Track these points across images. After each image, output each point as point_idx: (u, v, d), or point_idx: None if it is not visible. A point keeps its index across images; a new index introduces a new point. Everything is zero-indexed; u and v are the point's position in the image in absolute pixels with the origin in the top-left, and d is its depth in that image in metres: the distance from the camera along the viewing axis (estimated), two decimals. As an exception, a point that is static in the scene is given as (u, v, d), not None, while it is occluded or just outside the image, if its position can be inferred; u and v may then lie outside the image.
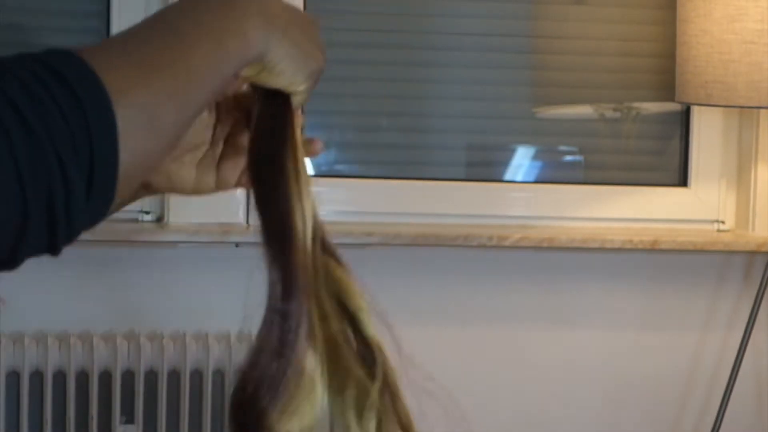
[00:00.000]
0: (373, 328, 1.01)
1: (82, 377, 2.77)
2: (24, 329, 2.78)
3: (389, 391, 1.03)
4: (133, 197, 1.17)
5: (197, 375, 2.80)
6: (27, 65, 0.81)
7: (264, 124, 1.01)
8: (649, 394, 3.05)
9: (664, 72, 2.98)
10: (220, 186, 1.19)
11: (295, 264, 0.97)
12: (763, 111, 2.89)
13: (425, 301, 2.96)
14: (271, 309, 0.95)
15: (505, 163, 3.07)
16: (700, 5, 2.69)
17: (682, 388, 3.06)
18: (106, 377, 2.77)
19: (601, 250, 2.92)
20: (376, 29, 3.01)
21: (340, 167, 3.03)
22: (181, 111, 0.90)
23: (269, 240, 0.95)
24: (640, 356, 3.04)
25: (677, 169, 3.07)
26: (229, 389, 2.78)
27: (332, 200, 2.93)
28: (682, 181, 3.05)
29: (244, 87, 1.08)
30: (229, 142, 1.15)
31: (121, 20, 2.83)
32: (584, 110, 3.08)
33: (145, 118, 0.86)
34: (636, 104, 3.07)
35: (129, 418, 2.80)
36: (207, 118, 1.13)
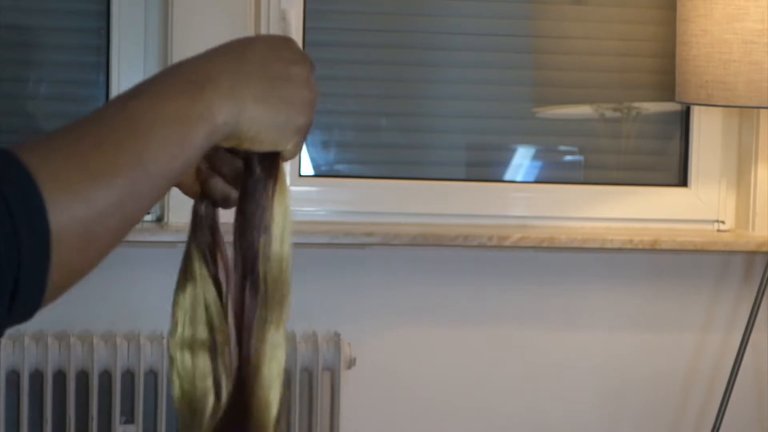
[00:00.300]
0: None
1: (82, 377, 2.77)
2: (24, 329, 2.78)
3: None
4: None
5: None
6: None
7: (251, 186, 0.99)
8: (649, 393, 3.05)
9: (664, 72, 2.98)
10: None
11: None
12: (763, 111, 2.89)
13: (425, 301, 2.96)
14: None
15: (505, 163, 3.07)
16: (701, 5, 2.69)
17: (682, 387, 3.06)
18: (106, 377, 2.77)
19: (601, 250, 2.92)
20: (376, 29, 3.01)
21: (340, 167, 3.03)
22: (130, 217, 0.87)
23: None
24: (640, 356, 3.04)
25: (677, 169, 3.07)
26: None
27: (332, 200, 2.93)
28: (682, 181, 3.05)
29: None
30: None
31: (121, 20, 2.83)
32: (584, 110, 3.07)
33: (84, 232, 0.83)
34: (636, 104, 3.07)
35: (129, 418, 2.80)
36: None
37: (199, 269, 1.08)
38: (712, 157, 3.02)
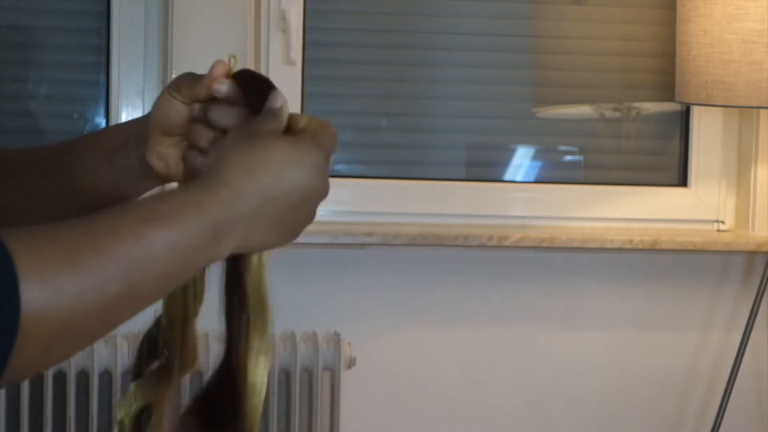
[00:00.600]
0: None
1: (82, 377, 2.77)
2: (24, 329, 2.78)
3: None
4: (144, 191, 1.18)
5: (197, 374, 2.80)
6: None
7: (233, 286, 1.06)
8: (649, 394, 3.05)
9: (664, 72, 2.98)
10: None
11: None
12: (763, 111, 2.89)
13: (425, 301, 2.96)
14: None
15: (505, 163, 3.07)
16: (701, 5, 2.69)
17: (682, 387, 3.06)
18: (106, 377, 2.77)
19: (601, 250, 2.92)
20: (376, 29, 3.01)
21: (340, 167, 3.03)
22: (105, 325, 0.89)
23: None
24: (640, 356, 3.04)
25: (677, 169, 3.07)
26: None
27: (332, 200, 2.91)
28: (682, 181, 3.05)
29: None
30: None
31: (121, 20, 2.83)
32: (584, 110, 3.07)
33: (54, 334, 0.84)
34: (636, 104, 3.07)
35: (129, 418, 2.80)
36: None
37: None
38: (712, 157, 3.02)
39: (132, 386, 1.09)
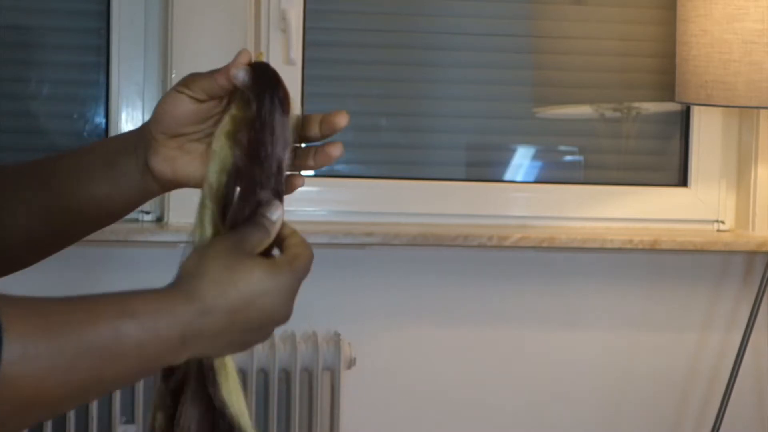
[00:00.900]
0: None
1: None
2: (24, 329, 2.78)
3: None
4: (142, 201, 1.18)
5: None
6: None
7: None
8: (649, 394, 3.05)
9: (664, 72, 2.98)
10: None
11: None
12: (763, 111, 2.89)
13: (425, 301, 2.96)
14: None
15: (505, 163, 3.07)
16: (701, 5, 2.69)
17: (682, 387, 3.06)
18: (106, 377, 2.77)
19: (601, 250, 2.92)
20: (376, 29, 3.01)
21: (340, 167, 3.03)
22: (72, 398, 0.94)
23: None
24: (640, 356, 3.04)
25: (677, 169, 3.07)
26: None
27: (332, 200, 2.93)
28: (682, 181, 3.05)
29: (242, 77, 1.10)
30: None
31: (121, 20, 2.83)
32: (584, 110, 3.07)
33: (28, 393, 0.88)
34: (636, 104, 3.07)
35: (129, 418, 2.80)
36: (213, 107, 1.14)
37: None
38: (712, 157, 3.02)
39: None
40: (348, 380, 2.88)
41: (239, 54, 1.11)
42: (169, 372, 1.07)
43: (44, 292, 2.92)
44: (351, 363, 2.87)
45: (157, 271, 2.91)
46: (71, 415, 2.76)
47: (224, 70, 1.10)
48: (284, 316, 1.06)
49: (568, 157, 3.11)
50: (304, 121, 1.14)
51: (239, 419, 1.07)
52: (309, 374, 2.84)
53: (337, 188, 2.94)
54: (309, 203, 2.91)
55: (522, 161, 3.07)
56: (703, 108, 2.96)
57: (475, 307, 2.98)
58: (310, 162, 1.16)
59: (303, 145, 1.16)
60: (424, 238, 2.85)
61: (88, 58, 2.91)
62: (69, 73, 2.93)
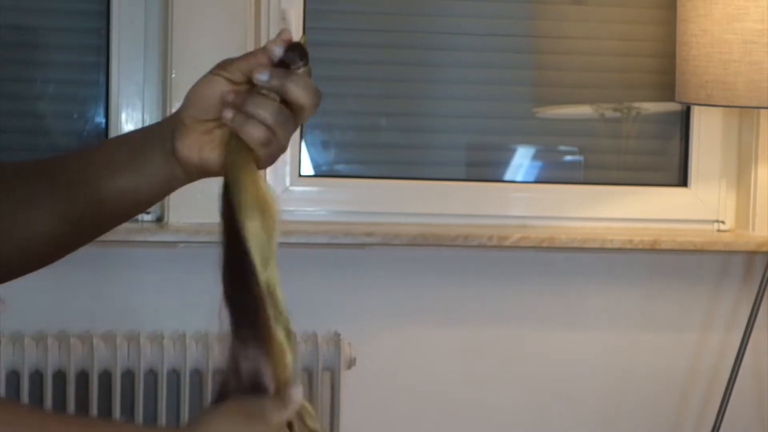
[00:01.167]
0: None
1: (82, 377, 2.77)
2: (24, 329, 2.78)
3: None
4: (168, 190, 1.17)
5: (197, 375, 2.80)
6: None
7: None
8: (649, 394, 3.05)
9: (664, 72, 2.97)
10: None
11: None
12: (763, 111, 2.89)
13: (425, 301, 2.96)
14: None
15: (505, 163, 3.07)
16: (701, 5, 2.69)
17: (682, 388, 3.06)
18: (106, 377, 2.77)
19: (601, 250, 2.92)
20: (376, 29, 3.01)
21: (340, 167, 3.03)
22: None
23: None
24: (640, 356, 3.04)
25: (677, 169, 3.07)
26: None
27: (332, 200, 2.93)
28: (682, 181, 3.05)
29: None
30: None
31: (121, 20, 2.83)
32: (584, 110, 3.07)
33: None
34: (636, 104, 3.07)
35: (129, 418, 2.80)
36: (246, 92, 1.14)
37: None
38: (712, 157, 3.02)
39: None
40: (348, 380, 2.88)
41: (281, 32, 1.14)
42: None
43: (44, 291, 2.91)
44: (351, 363, 2.87)
45: (157, 271, 2.92)
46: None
47: (263, 47, 1.12)
48: None
49: (568, 157, 3.11)
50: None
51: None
52: (309, 374, 2.84)
53: (337, 188, 2.94)
54: (309, 203, 2.91)
55: (522, 161, 3.07)
56: (703, 108, 2.96)
57: (475, 307, 2.98)
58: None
59: None
60: (424, 238, 2.85)
61: (88, 58, 2.91)
62: (69, 73, 2.93)
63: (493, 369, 3.00)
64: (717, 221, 3.02)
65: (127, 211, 1.18)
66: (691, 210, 3.02)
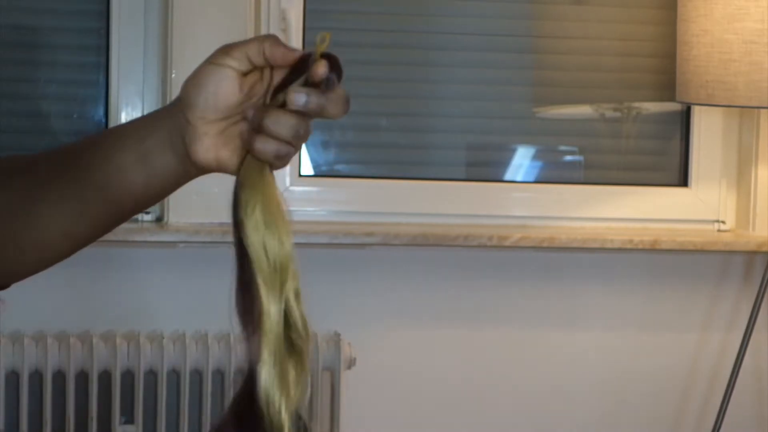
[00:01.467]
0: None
1: (82, 377, 2.76)
2: (23, 329, 2.78)
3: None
4: (180, 185, 1.11)
5: (197, 375, 2.80)
6: None
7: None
8: (650, 394, 3.05)
9: (665, 72, 2.97)
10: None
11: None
12: (763, 111, 2.89)
13: (425, 301, 2.96)
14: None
15: (505, 163, 3.07)
16: (701, 5, 2.69)
17: (682, 388, 3.05)
18: (105, 377, 2.77)
19: (601, 250, 2.92)
20: (377, 29, 3.01)
21: (340, 167, 3.02)
22: None
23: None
24: (640, 356, 3.04)
25: (677, 169, 3.06)
26: (229, 389, 2.79)
27: (332, 200, 2.93)
28: (683, 181, 3.05)
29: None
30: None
31: (121, 20, 2.83)
32: (584, 110, 3.07)
33: None
34: (636, 104, 3.07)
35: (129, 418, 2.80)
36: (255, 81, 1.05)
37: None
38: (712, 157, 3.02)
39: None
40: (348, 380, 2.88)
41: (319, 40, 1.04)
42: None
43: (44, 291, 2.91)
44: (351, 363, 2.87)
45: (157, 271, 2.92)
46: (71, 415, 2.76)
47: (291, 51, 1.03)
48: None
49: (568, 157, 3.11)
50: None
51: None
52: (309, 374, 2.84)
53: (337, 188, 2.94)
54: (309, 203, 2.91)
55: (522, 161, 3.07)
56: (703, 108, 2.96)
57: (475, 307, 2.98)
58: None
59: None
60: (424, 238, 2.85)
61: (88, 58, 2.91)
62: (69, 73, 2.93)
63: (493, 369, 3.00)
64: (717, 221, 3.02)
65: (139, 208, 1.12)
66: (691, 210, 3.02)
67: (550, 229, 2.93)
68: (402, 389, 2.98)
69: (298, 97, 1.02)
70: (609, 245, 2.89)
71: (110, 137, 1.10)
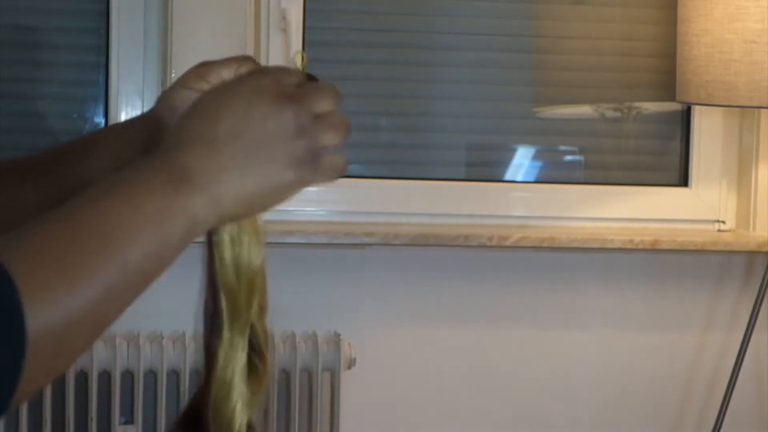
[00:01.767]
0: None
1: (82, 377, 2.76)
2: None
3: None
4: None
5: (197, 375, 2.80)
6: None
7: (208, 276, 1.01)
8: (650, 394, 3.05)
9: (665, 72, 2.97)
10: None
11: None
12: (764, 111, 2.89)
13: (425, 301, 2.96)
14: None
15: (505, 163, 3.07)
16: (701, 5, 2.69)
17: (682, 388, 3.05)
18: (105, 377, 2.77)
19: (601, 250, 2.92)
20: (376, 29, 3.01)
21: (340, 167, 3.02)
22: (105, 322, 0.85)
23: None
24: (640, 356, 3.04)
25: (678, 169, 3.06)
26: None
27: (332, 200, 2.93)
28: (683, 181, 3.05)
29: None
30: None
31: (121, 20, 2.83)
32: (584, 110, 3.07)
33: (59, 341, 0.81)
34: (636, 104, 3.07)
35: (129, 418, 2.80)
36: None
37: None
38: (712, 157, 3.02)
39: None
40: (348, 380, 2.88)
41: (295, 55, 1.02)
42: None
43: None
44: (351, 363, 2.86)
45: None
46: (71, 415, 2.76)
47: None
48: (288, 111, 0.92)
49: (568, 157, 3.11)
50: None
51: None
52: (309, 374, 2.84)
53: (337, 188, 2.94)
54: (309, 203, 2.91)
55: (522, 161, 3.07)
56: (703, 108, 2.95)
57: (475, 307, 2.98)
58: None
59: None
60: (424, 238, 2.85)
61: (88, 58, 2.91)
62: (69, 73, 2.93)
63: (493, 369, 3.00)
64: (717, 221, 3.02)
65: None
66: (691, 210, 3.02)
67: (550, 229, 2.93)
68: (402, 389, 2.98)
69: None
70: (609, 245, 2.89)
71: (76, 145, 1.11)
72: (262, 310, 1.02)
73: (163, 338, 2.78)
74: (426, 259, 2.95)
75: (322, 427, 2.86)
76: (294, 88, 0.95)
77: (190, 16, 2.77)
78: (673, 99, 2.88)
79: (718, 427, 2.83)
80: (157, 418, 2.80)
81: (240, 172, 0.90)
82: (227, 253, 0.99)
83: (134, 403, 2.78)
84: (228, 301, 1.00)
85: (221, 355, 1.01)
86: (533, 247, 2.91)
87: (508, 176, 3.06)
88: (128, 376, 2.77)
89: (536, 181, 3.05)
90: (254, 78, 0.95)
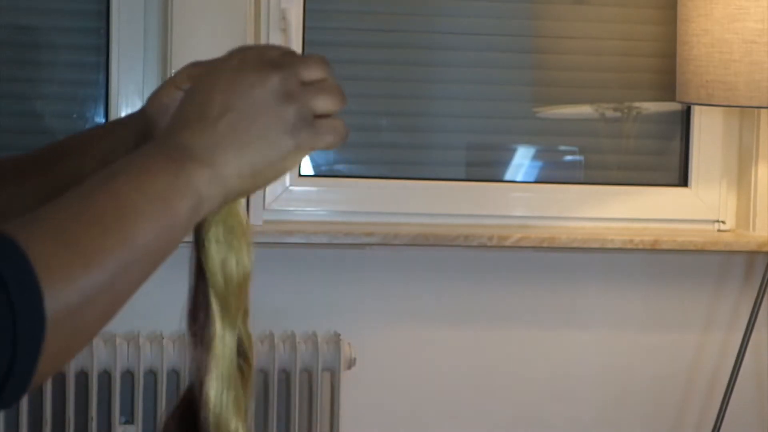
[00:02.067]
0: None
1: (82, 377, 2.76)
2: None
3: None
4: None
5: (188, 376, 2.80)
6: None
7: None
8: (650, 394, 3.05)
9: (665, 72, 2.97)
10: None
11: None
12: (763, 111, 2.89)
13: (425, 301, 2.96)
14: None
15: (505, 163, 3.07)
16: (701, 5, 2.69)
17: (682, 388, 3.05)
18: (105, 377, 2.77)
19: (601, 250, 2.92)
20: (376, 29, 3.01)
21: (340, 167, 3.02)
22: (119, 301, 0.89)
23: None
24: (640, 356, 3.04)
25: (678, 169, 3.06)
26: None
27: (332, 200, 2.93)
28: (683, 181, 3.05)
29: None
30: None
31: (121, 20, 2.83)
32: (584, 110, 3.07)
33: (76, 320, 0.83)
34: (636, 104, 3.07)
35: (129, 418, 2.80)
36: None
37: None
38: (712, 157, 3.02)
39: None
40: (348, 380, 2.88)
41: None
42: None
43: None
44: (351, 363, 2.86)
45: (157, 271, 2.92)
46: (71, 415, 2.76)
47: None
48: (274, 78, 0.94)
49: (568, 157, 3.11)
50: None
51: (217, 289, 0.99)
52: (309, 374, 2.84)
53: (337, 188, 2.94)
54: (309, 203, 2.91)
55: (522, 161, 3.07)
56: (703, 108, 2.96)
57: (475, 307, 2.98)
58: None
59: None
60: (424, 238, 2.85)
61: (88, 58, 2.91)
62: (69, 73, 2.93)
63: (493, 369, 3.00)
64: (717, 221, 3.02)
65: None
66: (691, 210, 3.02)
67: (550, 229, 2.93)
68: (402, 389, 2.98)
69: None
70: (609, 245, 2.89)
71: (82, 145, 1.12)
72: (245, 313, 1.02)
73: (163, 338, 2.78)
74: (426, 259, 2.95)
75: (322, 427, 2.86)
76: (280, 57, 0.98)
77: (190, 16, 2.77)
78: (673, 99, 2.88)
79: (718, 427, 2.83)
80: (157, 418, 2.80)
81: (238, 144, 0.91)
82: (215, 254, 1.01)
83: (134, 403, 2.78)
84: (217, 304, 1.01)
85: (212, 357, 1.00)
86: (533, 247, 2.91)
87: (508, 176, 3.06)
88: (128, 376, 2.78)
89: (536, 181, 3.05)
90: (239, 53, 0.98)
